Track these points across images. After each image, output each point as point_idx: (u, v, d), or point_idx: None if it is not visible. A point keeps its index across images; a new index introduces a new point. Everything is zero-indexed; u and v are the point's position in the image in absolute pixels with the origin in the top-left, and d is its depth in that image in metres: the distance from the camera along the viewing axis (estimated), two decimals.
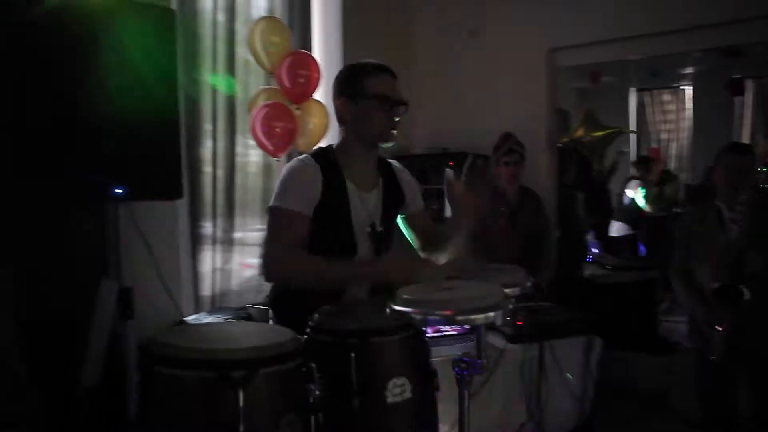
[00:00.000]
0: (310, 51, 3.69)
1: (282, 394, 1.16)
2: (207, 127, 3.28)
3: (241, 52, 3.36)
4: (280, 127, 3.07)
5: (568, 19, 3.83)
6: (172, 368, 1.12)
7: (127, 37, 1.84)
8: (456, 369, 1.40)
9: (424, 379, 1.42)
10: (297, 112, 3.21)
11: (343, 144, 1.80)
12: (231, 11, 3.32)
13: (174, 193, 2.04)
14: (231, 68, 3.34)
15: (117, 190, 1.82)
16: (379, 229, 1.74)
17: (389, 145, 1.76)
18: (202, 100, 3.25)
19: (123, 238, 2.06)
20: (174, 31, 2.04)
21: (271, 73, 3.19)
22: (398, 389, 1.36)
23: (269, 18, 3.26)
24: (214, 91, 3.29)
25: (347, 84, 1.77)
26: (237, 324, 1.82)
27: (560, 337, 2.64)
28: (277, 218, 1.66)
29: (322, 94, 3.79)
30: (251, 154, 3.55)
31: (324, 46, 3.85)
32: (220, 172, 3.29)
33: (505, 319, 1.25)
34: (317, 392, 1.23)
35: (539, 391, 2.55)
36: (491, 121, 3.87)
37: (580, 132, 3.86)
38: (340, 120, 1.80)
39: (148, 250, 2.20)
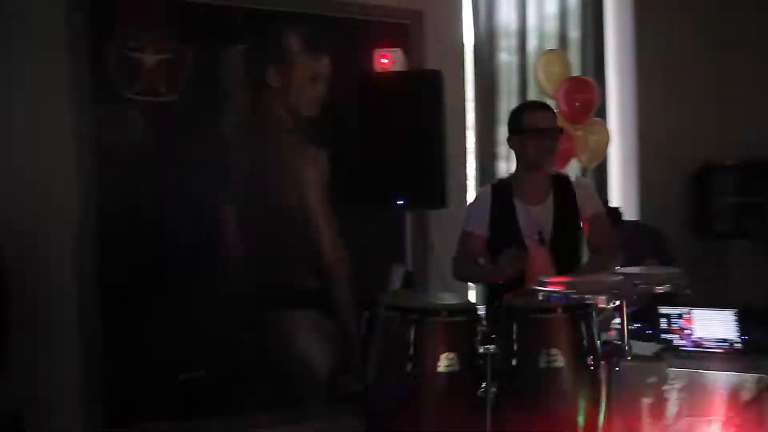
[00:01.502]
0: (604, 75, 3.94)
1: (445, 336, 1.69)
2: (501, 149, 3.90)
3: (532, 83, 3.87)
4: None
5: None
6: (380, 309, 1.78)
7: (406, 97, 2.65)
8: (603, 349, 1.66)
9: (578, 354, 1.72)
10: (577, 132, 3.54)
11: (515, 170, 2.22)
12: (522, 50, 3.87)
13: (439, 204, 2.73)
14: (523, 97, 3.88)
15: (399, 202, 2.64)
16: (545, 235, 2.06)
17: (547, 167, 2.14)
18: (498, 126, 3.89)
19: (411, 236, 2.86)
20: (441, 88, 2.74)
21: (554, 99, 3.61)
22: (550, 358, 1.72)
23: (551, 51, 3.68)
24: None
25: (510, 122, 2.22)
26: (439, 292, 2.38)
27: None
28: (460, 236, 2.25)
29: (615, 112, 4.00)
30: None
31: (618, 68, 4.02)
32: None
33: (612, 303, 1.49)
34: (486, 347, 1.71)
35: None
36: None
37: None
38: (513, 150, 2.25)
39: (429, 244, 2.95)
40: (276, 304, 3.17)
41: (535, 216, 2.12)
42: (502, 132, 3.86)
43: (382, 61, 2.88)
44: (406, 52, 3.35)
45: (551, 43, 3.90)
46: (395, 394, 1.70)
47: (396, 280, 2.75)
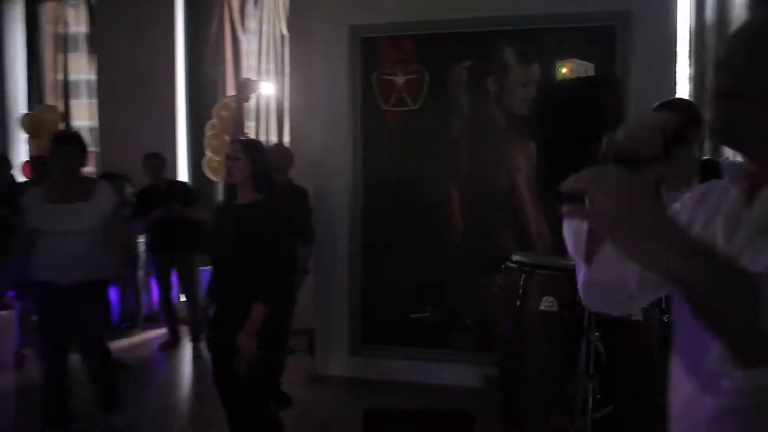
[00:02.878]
0: None
1: (546, 284, 2.25)
2: None
3: None
4: None
5: None
6: (508, 264, 2.42)
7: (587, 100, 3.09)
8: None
9: (657, 312, 2.08)
10: None
11: None
12: None
13: None
14: None
15: None
16: None
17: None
18: None
19: None
20: (620, 90, 3.06)
21: None
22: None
23: None
24: None
25: None
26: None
27: None
28: None
29: None
30: None
31: None
32: None
33: None
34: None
35: None
36: None
37: None
38: None
39: None
40: (487, 268, 3.91)
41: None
42: None
43: (563, 70, 3.35)
44: (614, 53, 3.69)
45: None
46: (510, 325, 2.34)
47: None
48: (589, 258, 1.02)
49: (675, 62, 3.73)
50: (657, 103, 2.45)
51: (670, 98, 2.67)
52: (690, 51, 3.79)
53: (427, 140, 4.00)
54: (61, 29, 6.63)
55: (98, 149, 6.29)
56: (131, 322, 5.46)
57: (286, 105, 5.66)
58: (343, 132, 4.11)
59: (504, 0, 3.83)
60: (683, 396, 0.92)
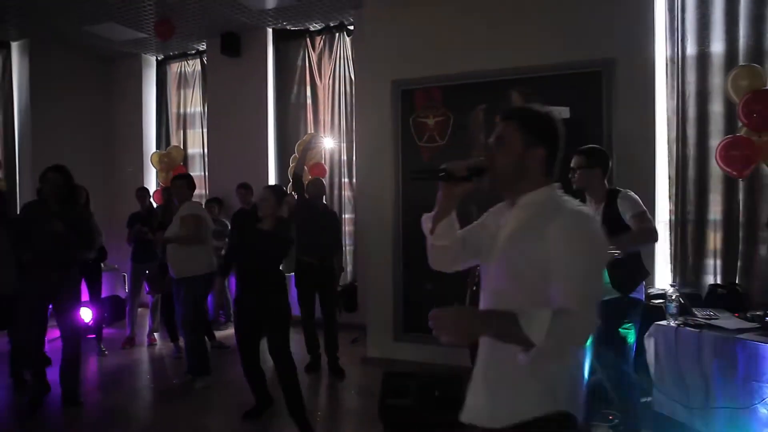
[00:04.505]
0: None
1: None
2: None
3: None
4: (737, 155, 3.95)
5: None
6: None
7: None
8: None
9: None
10: (762, 139, 3.91)
11: None
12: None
13: None
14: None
15: None
16: None
17: (583, 189, 3.22)
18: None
19: None
20: (583, 132, 3.84)
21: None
22: None
23: (744, 66, 4.09)
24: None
25: None
26: None
27: None
28: None
29: None
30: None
31: None
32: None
33: None
34: None
35: None
36: None
37: None
38: None
39: None
40: None
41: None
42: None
43: None
44: (601, 94, 4.46)
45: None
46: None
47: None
48: (432, 231, 1.83)
49: (654, 100, 4.44)
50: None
51: (584, 146, 3.41)
52: (667, 85, 4.49)
53: None
54: (182, 70, 8.35)
55: (206, 174, 7.85)
56: (226, 316, 6.85)
57: (354, 141, 6.83)
58: (387, 162, 5.18)
59: (510, 55, 4.74)
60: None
